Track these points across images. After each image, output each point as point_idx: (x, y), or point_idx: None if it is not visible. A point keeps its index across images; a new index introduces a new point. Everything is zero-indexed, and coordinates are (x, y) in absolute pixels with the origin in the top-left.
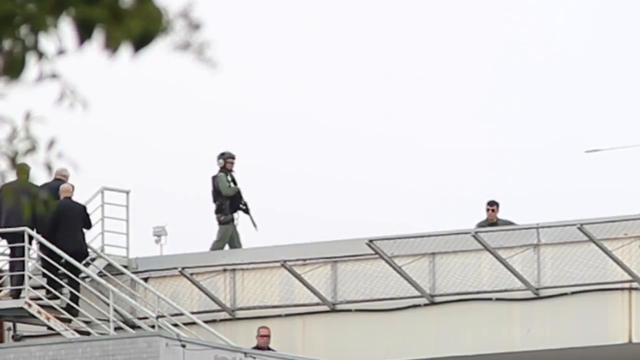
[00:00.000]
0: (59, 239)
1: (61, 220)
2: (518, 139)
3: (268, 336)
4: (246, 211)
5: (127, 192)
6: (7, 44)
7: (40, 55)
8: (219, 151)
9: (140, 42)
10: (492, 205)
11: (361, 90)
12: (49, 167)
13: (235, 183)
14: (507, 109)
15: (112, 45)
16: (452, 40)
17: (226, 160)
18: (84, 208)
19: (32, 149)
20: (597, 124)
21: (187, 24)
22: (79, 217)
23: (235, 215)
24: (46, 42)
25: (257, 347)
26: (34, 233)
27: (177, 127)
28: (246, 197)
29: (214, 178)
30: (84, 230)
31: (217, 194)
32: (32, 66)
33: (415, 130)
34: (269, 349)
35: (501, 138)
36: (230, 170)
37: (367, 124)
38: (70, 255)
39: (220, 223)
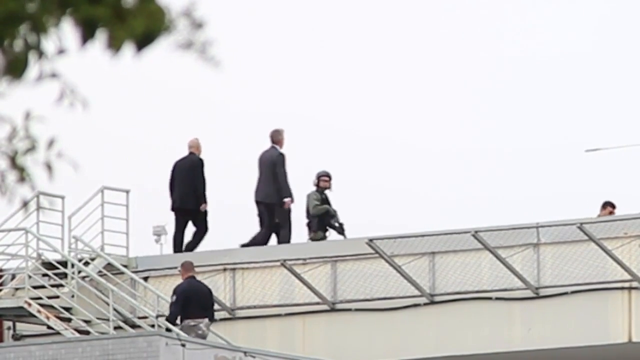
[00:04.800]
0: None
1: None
2: (518, 139)
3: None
4: (340, 232)
5: (127, 192)
6: (10, 43)
7: (41, 54)
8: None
9: (143, 41)
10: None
11: (361, 90)
12: (48, 167)
13: (328, 202)
14: (507, 109)
15: (114, 45)
16: (451, 40)
17: (319, 178)
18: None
19: (31, 149)
20: (597, 124)
21: (190, 22)
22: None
23: (327, 234)
24: (48, 42)
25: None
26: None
27: (177, 127)
28: (341, 217)
29: (307, 196)
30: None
31: (307, 211)
32: (34, 66)
33: (415, 131)
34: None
35: (501, 138)
36: (325, 189)
37: (367, 124)
38: None
39: (311, 240)
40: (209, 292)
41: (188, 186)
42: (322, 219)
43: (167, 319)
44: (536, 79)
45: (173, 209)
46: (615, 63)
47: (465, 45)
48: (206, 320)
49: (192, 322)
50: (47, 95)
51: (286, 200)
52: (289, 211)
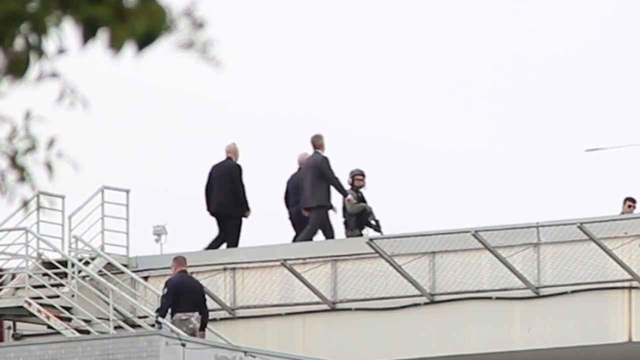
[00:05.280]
0: None
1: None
2: (518, 139)
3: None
4: (377, 229)
5: (127, 191)
6: (11, 43)
7: (42, 54)
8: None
9: (144, 41)
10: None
11: (362, 90)
12: (48, 167)
13: (363, 200)
14: (507, 109)
15: (115, 45)
16: (452, 40)
17: (354, 177)
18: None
19: (31, 148)
20: (597, 124)
21: (191, 22)
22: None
23: (364, 232)
24: (48, 42)
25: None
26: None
27: (177, 127)
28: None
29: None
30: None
31: (344, 210)
32: (34, 65)
33: (416, 131)
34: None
35: (501, 138)
36: (360, 187)
37: (367, 124)
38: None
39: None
40: (201, 287)
41: (226, 192)
42: (359, 217)
43: (158, 312)
44: (536, 79)
45: (211, 214)
46: (616, 63)
47: (465, 46)
48: (197, 314)
49: (183, 316)
50: (47, 95)
51: (349, 197)
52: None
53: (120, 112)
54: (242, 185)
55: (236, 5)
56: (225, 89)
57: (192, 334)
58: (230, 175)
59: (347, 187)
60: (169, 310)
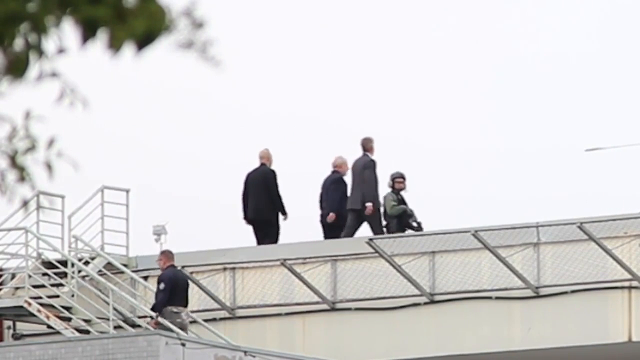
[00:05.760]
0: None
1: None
2: (518, 139)
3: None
4: (419, 230)
5: (127, 191)
6: (11, 43)
7: (42, 54)
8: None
9: (144, 41)
10: None
11: (362, 90)
12: (48, 167)
13: (404, 202)
14: (507, 109)
15: (115, 45)
16: (452, 40)
17: (394, 180)
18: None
19: (31, 148)
20: (597, 124)
21: (190, 22)
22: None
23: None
24: (48, 42)
25: None
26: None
27: (177, 127)
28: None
29: (384, 197)
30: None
31: (385, 213)
32: (34, 65)
33: (415, 131)
34: None
35: (501, 138)
36: (400, 190)
37: (367, 124)
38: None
39: None
40: (187, 281)
41: (262, 198)
42: (401, 219)
43: (154, 308)
44: (536, 79)
45: (247, 221)
46: (616, 63)
47: (465, 46)
48: (187, 310)
49: (174, 309)
50: (47, 95)
51: (368, 205)
52: (378, 216)
53: (120, 112)
54: (278, 191)
55: (236, 4)
56: (225, 89)
57: (181, 329)
58: (265, 181)
59: (388, 189)
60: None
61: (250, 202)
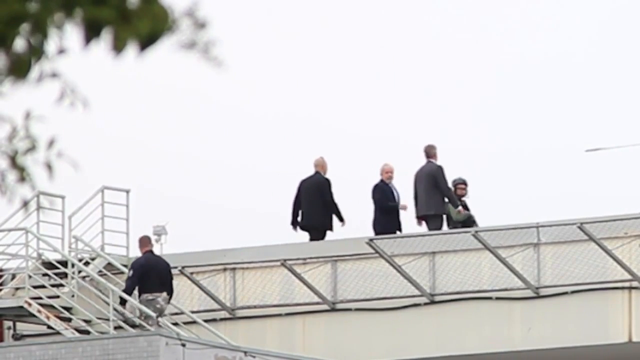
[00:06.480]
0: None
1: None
2: (518, 139)
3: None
4: None
5: (127, 191)
6: (13, 44)
7: (44, 55)
8: (457, 177)
9: (147, 42)
10: None
11: (362, 91)
12: (48, 167)
13: (467, 208)
14: (507, 109)
15: (118, 46)
16: (452, 40)
17: (456, 186)
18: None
19: (31, 149)
20: (597, 124)
21: (193, 22)
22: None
23: None
24: (50, 42)
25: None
26: None
27: (177, 127)
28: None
29: (446, 204)
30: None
31: (449, 219)
32: (37, 66)
33: (415, 131)
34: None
35: (501, 138)
36: (462, 196)
37: (367, 125)
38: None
39: None
40: (168, 266)
41: (316, 206)
42: (465, 225)
43: (123, 292)
44: (537, 79)
45: (296, 226)
46: (616, 63)
47: (465, 46)
48: (164, 294)
49: (150, 296)
50: (47, 95)
51: (460, 209)
52: (440, 222)
53: (120, 112)
54: (333, 198)
55: (238, 5)
56: (225, 89)
57: (160, 315)
58: (319, 190)
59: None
60: (136, 292)
61: (303, 209)
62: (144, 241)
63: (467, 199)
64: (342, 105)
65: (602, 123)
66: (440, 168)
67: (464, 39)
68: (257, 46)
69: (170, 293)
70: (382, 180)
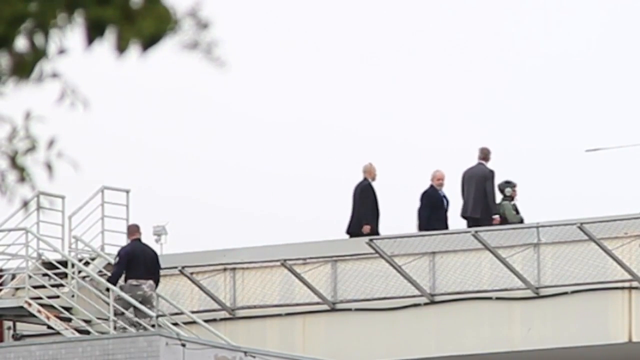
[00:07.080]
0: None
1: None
2: (518, 140)
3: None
4: None
5: (127, 192)
6: (17, 44)
7: (46, 55)
8: (504, 179)
9: (150, 42)
10: None
11: (361, 91)
12: (48, 167)
13: (517, 211)
14: (507, 109)
15: (122, 46)
16: (451, 40)
17: (513, 189)
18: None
19: (31, 149)
20: (597, 124)
21: (195, 23)
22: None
23: None
24: (53, 42)
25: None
26: None
27: (178, 127)
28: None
29: (502, 206)
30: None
31: (504, 220)
32: (39, 66)
33: (415, 131)
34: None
35: (501, 138)
36: (513, 198)
37: (366, 125)
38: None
39: None
40: (155, 255)
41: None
42: None
43: (109, 280)
44: (536, 79)
45: (354, 234)
46: (615, 63)
47: (465, 46)
48: (150, 281)
49: (134, 282)
50: (47, 95)
51: (495, 217)
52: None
53: (120, 112)
54: (377, 204)
55: (241, 5)
56: (226, 89)
57: (143, 302)
58: (363, 195)
59: (499, 198)
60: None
61: (352, 214)
62: (132, 229)
63: (517, 202)
64: (342, 106)
65: (602, 123)
66: (492, 172)
67: (462, 39)
68: (258, 46)
69: (156, 282)
70: (432, 186)
